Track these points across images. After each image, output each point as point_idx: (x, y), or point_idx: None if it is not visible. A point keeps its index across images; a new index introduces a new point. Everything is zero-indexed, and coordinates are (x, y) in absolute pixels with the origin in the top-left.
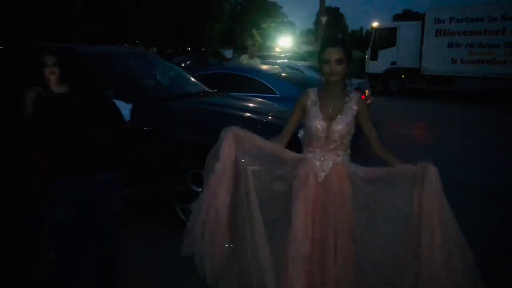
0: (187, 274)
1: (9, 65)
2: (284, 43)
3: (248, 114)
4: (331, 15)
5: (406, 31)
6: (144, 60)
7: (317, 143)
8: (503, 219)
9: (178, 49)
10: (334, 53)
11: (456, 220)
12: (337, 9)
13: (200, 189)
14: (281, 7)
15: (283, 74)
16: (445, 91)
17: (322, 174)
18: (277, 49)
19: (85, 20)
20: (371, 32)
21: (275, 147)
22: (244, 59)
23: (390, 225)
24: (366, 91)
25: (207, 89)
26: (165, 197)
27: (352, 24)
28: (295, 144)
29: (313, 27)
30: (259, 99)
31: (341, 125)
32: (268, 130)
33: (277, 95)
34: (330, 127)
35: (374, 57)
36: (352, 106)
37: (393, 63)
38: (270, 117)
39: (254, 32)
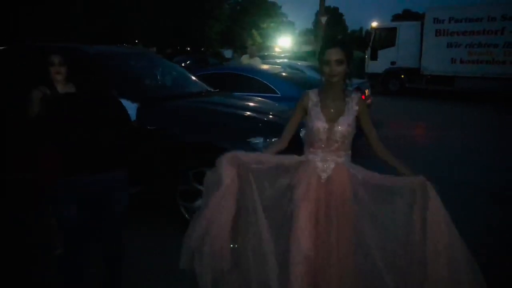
0: (190, 273)
1: (12, 65)
2: (284, 43)
3: (250, 113)
4: (331, 15)
5: (406, 31)
6: (147, 60)
7: (319, 144)
8: (503, 219)
9: (177, 49)
10: (334, 54)
11: (456, 228)
12: (336, 9)
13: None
14: (281, 7)
15: (284, 74)
16: (444, 91)
17: (324, 175)
18: (277, 49)
19: (85, 20)
20: (370, 32)
21: (273, 157)
22: (245, 59)
23: (390, 227)
24: (366, 91)
25: (209, 89)
26: (168, 196)
27: (351, 24)
28: (297, 144)
29: (313, 27)
30: (260, 99)
31: (343, 126)
32: (269, 129)
33: (278, 95)
34: (332, 128)
35: (374, 57)
36: (353, 107)
37: (392, 63)
38: (271, 116)
39: (254, 32)
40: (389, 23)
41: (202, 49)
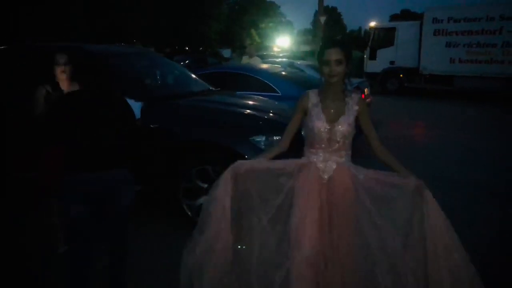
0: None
1: (13, 64)
2: (282, 43)
3: (251, 112)
4: (329, 14)
5: (405, 31)
6: (149, 59)
7: (320, 144)
8: (503, 218)
9: (176, 48)
10: (333, 54)
11: (457, 227)
12: (335, 8)
13: (206, 185)
14: (279, 6)
15: (284, 73)
16: (443, 90)
17: (326, 176)
18: (275, 49)
19: (85, 20)
20: (369, 32)
21: (275, 163)
22: (245, 59)
23: (390, 227)
24: (366, 90)
25: (210, 88)
26: (171, 194)
27: (350, 24)
28: (299, 143)
29: (311, 27)
30: (261, 97)
31: (344, 126)
32: (270, 127)
33: (278, 94)
34: (333, 128)
35: (372, 57)
36: (353, 106)
37: (391, 62)
38: (272, 114)
39: (253, 31)
40: (388, 23)
41: (201, 48)
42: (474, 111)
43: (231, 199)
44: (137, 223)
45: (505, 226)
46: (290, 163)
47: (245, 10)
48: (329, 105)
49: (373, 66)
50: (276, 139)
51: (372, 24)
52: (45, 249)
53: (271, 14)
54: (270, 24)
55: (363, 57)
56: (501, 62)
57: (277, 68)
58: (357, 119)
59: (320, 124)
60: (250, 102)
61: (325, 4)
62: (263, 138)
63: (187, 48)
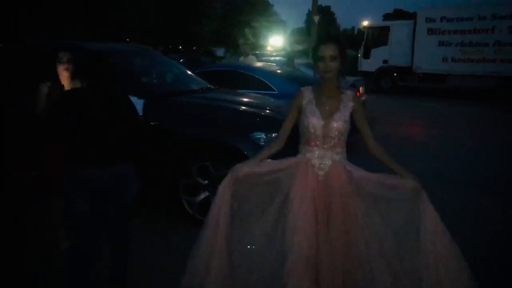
0: None
1: (14, 63)
2: (276, 42)
3: (250, 109)
4: (323, 14)
5: (398, 30)
6: (149, 57)
7: (315, 141)
8: (496, 212)
9: (169, 47)
10: (328, 50)
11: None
12: (328, 8)
13: (206, 182)
14: (273, 5)
15: (280, 72)
16: (436, 89)
17: (322, 173)
18: (269, 48)
19: (85, 20)
20: (363, 31)
21: (272, 164)
22: (241, 59)
23: (385, 224)
24: (361, 88)
25: (209, 86)
26: (171, 190)
27: (343, 23)
28: (296, 140)
29: (304, 26)
30: (257, 95)
31: (339, 122)
32: (269, 124)
33: (275, 92)
34: (328, 124)
35: (366, 56)
36: (348, 103)
37: (385, 61)
38: (270, 111)
39: (246, 30)
40: (382, 22)
41: (194, 47)
42: (468, 109)
43: (232, 203)
44: (137, 220)
45: (498, 219)
46: (286, 163)
47: (239, 9)
48: (324, 102)
49: (367, 65)
50: (275, 136)
51: (366, 23)
52: (45, 248)
53: (264, 13)
54: (264, 23)
55: (357, 56)
56: (493, 61)
57: (273, 66)
58: (351, 116)
59: (315, 121)
60: (248, 100)
61: (318, 3)
62: (263, 135)
63: (180, 47)
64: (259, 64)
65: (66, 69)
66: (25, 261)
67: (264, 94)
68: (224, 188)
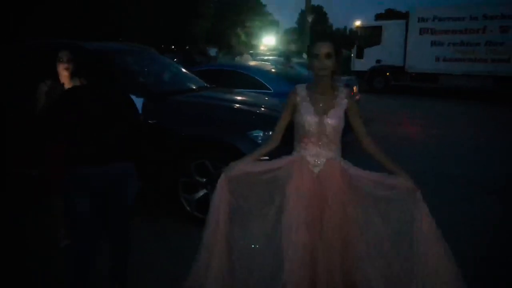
0: (191, 262)
1: (16, 61)
2: (269, 42)
3: (247, 107)
4: (316, 13)
5: (391, 30)
6: (147, 56)
7: (310, 138)
8: (487, 209)
9: (162, 47)
10: (324, 47)
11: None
12: (321, 7)
13: (204, 180)
14: (265, 5)
15: (275, 70)
16: (429, 88)
17: (317, 170)
18: (262, 47)
19: (84, 20)
20: (356, 30)
21: (267, 164)
22: (238, 59)
23: (378, 222)
24: (354, 88)
25: (206, 84)
26: (170, 188)
27: (335, 23)
28: (291, 137)
29: (297, 26)
30: (253, 93)
31: (334, 119)
32: (267, 122)
33: (270, 91)
34: (322, 121)
35: (359, 55)
36: (342, 100)
37: (378, 61)
38: (267, 109)
39: (239, 30)
40: (375, 21)
41: (187, 47)
42: (466, 109)
43: (232, 202)
44: (137, 219)
45: (492, 215)
46: (282, 161)
47: (232, 9)
48: (318, 99)
49: (360, 65)
50: (270, 134)
51: (358, 23)
52: (46, 248)
53: (257, 13)
54: (257, 23)
55: (350, 55)
56: (484, 60)
57: (268, 65)
58: (346, 114)
59: (309, 118)
60: (245, 98)
61: (311, 3)
62: (260, 133)
63: (173, 47)
64: (254, 63)
65: (66, 69)
66: (25, 261)
67: (259, 93)
68: (220, 188)
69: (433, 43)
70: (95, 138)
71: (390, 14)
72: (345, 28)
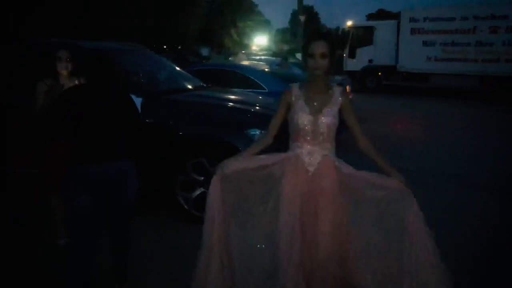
0: (189, 260)
1: (15, 61)
2: (261, 42)
3: (244, 106)
4: (308, 14)
5: (383, 30)
6: (144, 56)
7: (304, 137)
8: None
9: (153, 46)
10: (319, 47)
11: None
12: (312, 7)
13: (201, 178)
14: (257, 5)
15: (269, 70)
16: (420, 87)
17: (311, 169)
18: (254, 47)
19: (84, 20)
20: (348, 31)
21: (262, 159)
22: (233, 58)
23: (371, 221)
24: (347, 87)
25: (202, 84)
26: (168, 187)
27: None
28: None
29: (289, 26)
30: (249, 92)
31: (328, 118)
32: (263, 120)
33: (265, 90)
34: (317, 120)
35: (352, 55)
36: (337, 99)
37: (370, 61)
38: (263, 108)
39: (232, 30)
40: (366, 22)
41: (179, 47)
42: (449, 107)
43: (230, 200)
44: (136, 219)
45: (481, 211)
46: (276, 158)
47: (224, 9)
48: (312, 98)
49: (352, 65)
50: (264, 132)
51: (350, 23)
52: (45, 248)
53: (249, 13)
54: (249, 23)
55: (342, 55)
56: (474, 60)
57: (262, 65)
58: (340, 113)
59: (304, 116)
60: (241, 97)
61: (303, 3)
62: (257, 132)
63: (165, 47)
64: (247, 63)
65: (65, 68)
66: (25, 261)
67: (254, 92)
68: (214, 185)
69: (425, 43)
70: (95, 138)
71: (381, 14)
72: (337, 28)
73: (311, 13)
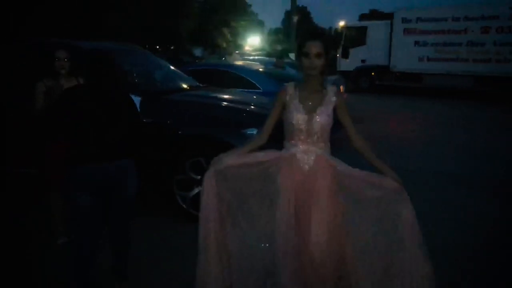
0: (189, 260)
1: (14, 60)
2: (254, 42)
3: (241, 106)
4: (300, 14)
5: (376, 30)
6: (142, 56)
7: (299, 136)
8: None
9: (146, 47)
10: (314, 47)
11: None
12: (305, 8)
13: (199, 177)
14: (250, 5)
15: (263, 70)
16: (413, 87)
17: (306, 167)
18: (247, 48)
19: (84, 20)
20: (341, 31)
21: (256, 156)
22: (227, 58)
23: (365, 218)
24: (341, 87)
25: (199, 84)
26: (165, 186)
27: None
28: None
29: (282, 26)
30: (244, 92)
31: (323, 117)
32: (260, 120)
33: (260, 90)
34: (311, 119)
35: (345, 55)
36: (331, 98)
37: (363, 61)
38: (259, 108)
39: (225, 30)
40: (359, 22)
41: (172, 47)
42: (442, 106)
43: (217, 195)
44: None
45: (470, 208)
46: (270, 155)
47: (217, 9)
48: (307, 97)
49: (345, 65)
50: (258, 131)
51: (343, 23)
52: (45, 248)
53: (242, 13)
54: (242, 23)
55: (336, 55)
56: (466, 60)
57: (258, 65)
58: (335, 112)
59: (298, 116)
60: (237, 97)
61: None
62: (255, 131)
63: (158, 47)
64: (241, 63)
65: (63, 68)
66: (25, 261)
67: (249, 92)
68: (208, 182)
69: (417, 43)
70: (95, 138)
71: (374, 15)
72: (330, 28)
73: (304, 13)
